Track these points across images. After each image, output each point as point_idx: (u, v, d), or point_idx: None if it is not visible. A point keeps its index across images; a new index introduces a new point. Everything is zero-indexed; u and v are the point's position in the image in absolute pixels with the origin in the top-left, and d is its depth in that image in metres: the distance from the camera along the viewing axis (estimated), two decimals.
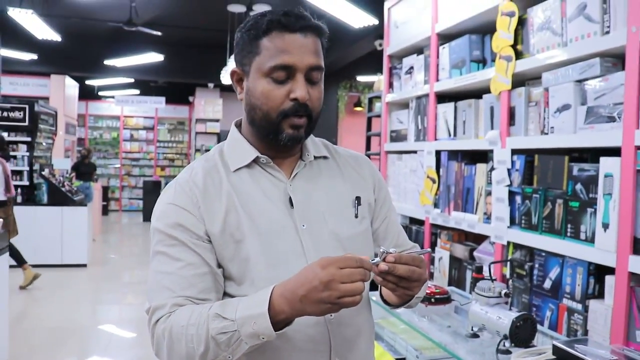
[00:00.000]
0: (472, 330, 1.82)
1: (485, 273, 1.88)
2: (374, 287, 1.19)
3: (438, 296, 1.98)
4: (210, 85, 12.01)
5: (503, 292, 1.72)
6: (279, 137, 1.12)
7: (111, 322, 5.28)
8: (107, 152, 14.89)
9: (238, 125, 1.24)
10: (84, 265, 7.20)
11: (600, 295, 1.72)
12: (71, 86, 11.10)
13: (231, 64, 7.41)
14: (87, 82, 12.34)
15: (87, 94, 13.39)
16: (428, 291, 2.00)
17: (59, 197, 7.21)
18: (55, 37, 7.50)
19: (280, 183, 1.17)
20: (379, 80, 5.07)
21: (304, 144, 1.22)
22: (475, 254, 2.43)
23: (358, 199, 1.22)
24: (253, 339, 0.96)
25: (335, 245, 1.16)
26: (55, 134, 8.65)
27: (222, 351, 0.98)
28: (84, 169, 9.46)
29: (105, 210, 12.41)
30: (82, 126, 14.28)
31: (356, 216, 1.21)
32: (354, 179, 1.26)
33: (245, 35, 1.12)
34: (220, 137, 12.52)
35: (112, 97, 12.98)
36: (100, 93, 13.81)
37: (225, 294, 1.12)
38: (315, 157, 1.23)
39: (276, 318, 0.96)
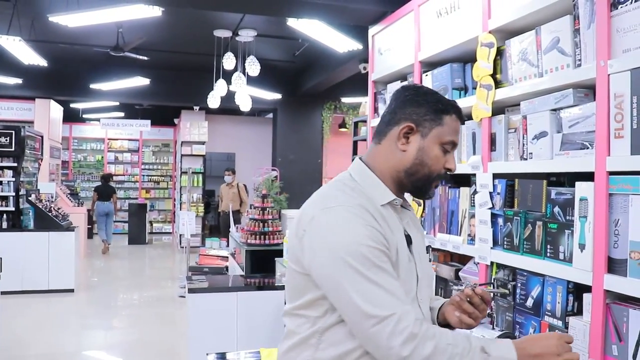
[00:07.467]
0: None
1: None
2: None
3: None
4: (196, 107, 12.08)
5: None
6: (427, 194, 1.43)
7: (98, 348, 5.26)
8: (92, 174, 14.82)
9: (366, 163, 1.43)
10: (71, 291, 7.16)
11: (579, 312, 1.81)
12: (56, 110, 11.09)
13: (220, 86, 7.50)
14: (72, 105, 12.33)
15: (71, 117, 13.36)
16: None
17: (45, 222, 7.19)
18: (42, 62, 7.53)
19: (400, 223, 1.40)
20: (364, 104, 5.18)
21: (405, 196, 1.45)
22: (460, 274, 2.52)
23: (428, 247, 1.47)
24: None
25: (429, 283, 1.42)
26: (42, 159, 8.63)
27: None
28: None
29: (90, 234, 12.31)
30: (66, 149, 14.22)
31: (430, 260, 1.44)
32: (421, 230, 1.51)
33: (431, 105, 1.39)
34: (206, 159, 12.55)
35: (97, 120, 12.97)
36: (84, 116, 13.80)
37: None
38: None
39: None
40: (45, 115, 10.48)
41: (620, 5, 1.64)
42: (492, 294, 1.44)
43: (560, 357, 1.21)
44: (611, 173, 1.64)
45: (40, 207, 7.27)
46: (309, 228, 1.31)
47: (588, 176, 1.73)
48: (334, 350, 1.30)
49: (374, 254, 1.24)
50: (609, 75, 1.66)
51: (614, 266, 1.63)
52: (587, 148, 1.77)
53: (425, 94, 1.41)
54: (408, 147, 1.38)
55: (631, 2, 1.60)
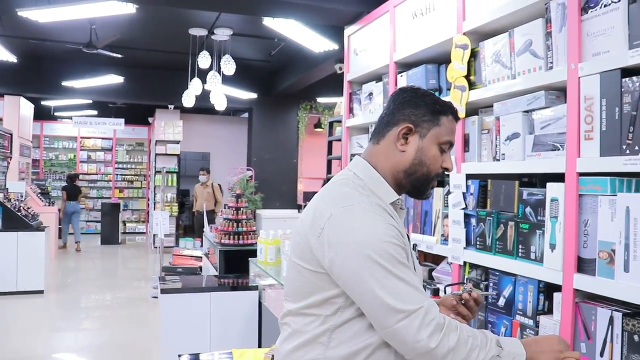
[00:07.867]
0: None
1: (442, 294, 1.98)
2: None
3: None
4: (171, 106, 11.95)
5: None
6: (425, 194, 1.47)
7: (69, 351, 5.16)
8: (64, 173, 14.54)
9: (371, 164, 1.44)
10: (41, 292, 7.01)
11: (549, 311, 1.84)
12: (26, 107, 10.85)
13: (195, 85, 7.43)
14: (43, 102, 12.09)
15: (42, 115, 13.09)
16: None
17: (14, 222, 7.02)
18: (11, 58, 7.37)
19: (400, 220, 1.43)
20: (339, 104, 5.19)
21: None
22: (434, 274, 2.54)
23: (415, 246, 1.52)
24: None
25: (421, 280, 1.44)
26: (11, 157, 8.44)
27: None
28: None
29: (61, 234, 12.06)
30: (37, 147, 13.93)
31: (417, 258, 1.50)
32: None
33: (429, 106, 1.42)
34: (181, 159, 12.42)
35: (70, 118, 12.73)
36: (56, 114, 13.54)
37: None
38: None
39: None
40: (15, 113, 10.23)
41: (591, 10, 1.67)
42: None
43: (562, 354, 1.29)
44: (581, 174, 1.67)
45: (9, 206, 7.10)
46: (327, 226, 1.29)
47: (559, 177, 1.76)
48: (346, 348, 1.30)
49: (397, 250, 1.27)
50: (579, 78, 1.68)
51: (584, 266, 1.66)
52: (558, 149, 1.79)
53: (423, 96, 1.44)
54: (407, 148, 1.41)
55: (601, 7, 1.63)
